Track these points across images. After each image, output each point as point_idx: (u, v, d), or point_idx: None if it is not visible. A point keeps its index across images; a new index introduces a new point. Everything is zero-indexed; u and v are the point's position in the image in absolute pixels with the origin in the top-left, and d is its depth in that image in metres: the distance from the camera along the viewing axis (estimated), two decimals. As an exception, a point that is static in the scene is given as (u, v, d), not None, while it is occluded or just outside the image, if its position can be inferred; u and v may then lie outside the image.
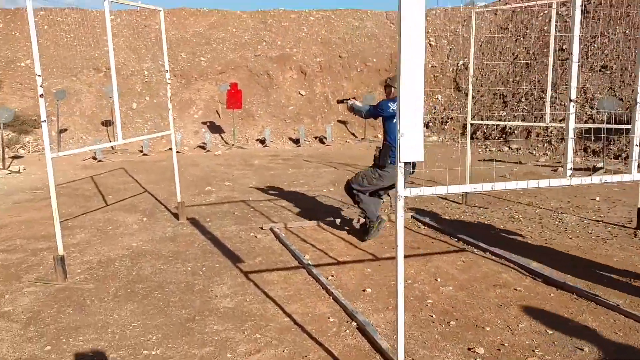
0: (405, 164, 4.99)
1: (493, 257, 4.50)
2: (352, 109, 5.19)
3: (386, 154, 4.84)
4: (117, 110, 5.03)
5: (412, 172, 4.98)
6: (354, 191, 5.10)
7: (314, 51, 16.36)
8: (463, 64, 16.00)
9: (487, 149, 11.37)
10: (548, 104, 5.71)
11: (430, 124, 14.60)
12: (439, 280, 4.03)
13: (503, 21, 16.33)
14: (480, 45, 16.18)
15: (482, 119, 12.76)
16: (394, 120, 4.66)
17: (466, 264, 4.39)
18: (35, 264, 4.66)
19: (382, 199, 5.38)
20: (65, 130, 12.97)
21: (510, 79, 13.40)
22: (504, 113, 12.15)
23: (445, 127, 13.94)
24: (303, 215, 6.16)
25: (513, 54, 14.47)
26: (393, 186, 5.06)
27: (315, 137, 13.98)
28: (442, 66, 16.41)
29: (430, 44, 17.16)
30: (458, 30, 17.25)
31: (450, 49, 16.81)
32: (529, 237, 5.14)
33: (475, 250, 4.72)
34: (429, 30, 17.69)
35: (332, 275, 4.16)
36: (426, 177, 8.50)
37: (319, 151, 12.39)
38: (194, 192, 7.69)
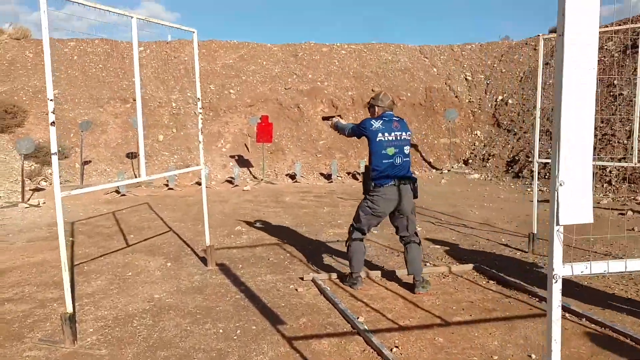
0: (402, 183, 4.22)
1: (593, 326, 3.66)
2: (336, 127, 4.88)
3: (367, 176, 4.37)
4: (141, 145, 4.43)
5: (415, 197, 4.43)
6: (351, 230, 4.60)
7: (346, 85, 15.85)
8: (502, 99, 15.29)
9: (538, 189, 10.47)
10: (636, 143, 4.89)
11: (470, 161, 13.80)
12: (533, 357, 3.21)
13: (543, 55, 15.63)
14: (520, 80, 15.49)
15: (527, 157, 11.94)
16: (377, 139, 4.29)
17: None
18: (42, 319, 3.98)
19: (417, 242, 4.47)
20: (89, 162, 12.54)
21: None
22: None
23: (487, 164, 13.11)
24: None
25: (557, 88, 13.69)
26: (399, 212, 4.39)
27: (348, 173, 13.28)
28: (480, 101, 15.71)
29: (466, 79, 16.54)
30: (495, 65, 16.62)
31: (488, 83, 16.13)
32: (624, 298, 4.29)
33: (566, 314, 3.89)
34: (465, 65, 17.12)
35: (397, 347, 3.36)
36: (478, 219, 7.70)
37: (352, 187, 11.66)
38: (222, 232, 7.00)
